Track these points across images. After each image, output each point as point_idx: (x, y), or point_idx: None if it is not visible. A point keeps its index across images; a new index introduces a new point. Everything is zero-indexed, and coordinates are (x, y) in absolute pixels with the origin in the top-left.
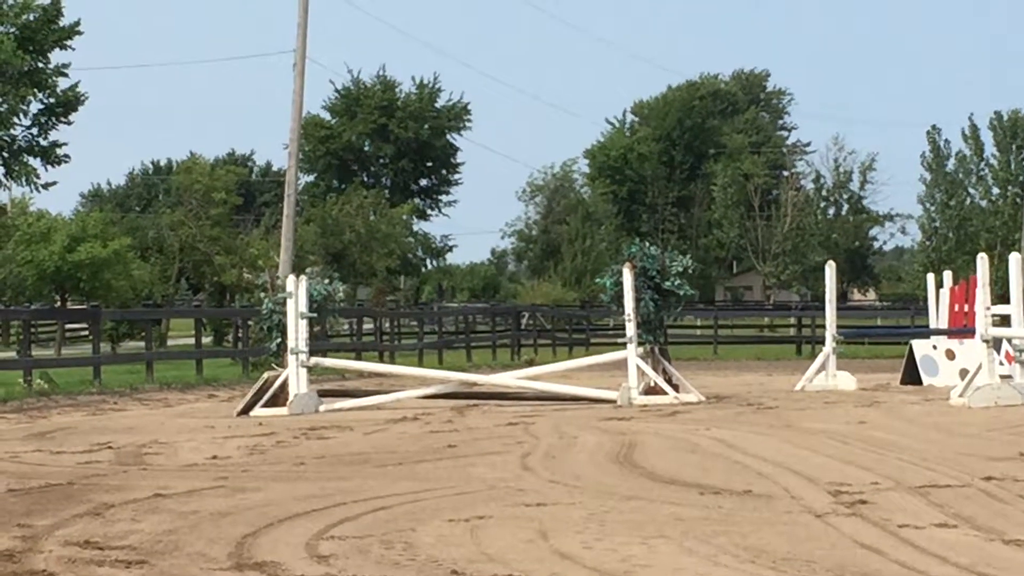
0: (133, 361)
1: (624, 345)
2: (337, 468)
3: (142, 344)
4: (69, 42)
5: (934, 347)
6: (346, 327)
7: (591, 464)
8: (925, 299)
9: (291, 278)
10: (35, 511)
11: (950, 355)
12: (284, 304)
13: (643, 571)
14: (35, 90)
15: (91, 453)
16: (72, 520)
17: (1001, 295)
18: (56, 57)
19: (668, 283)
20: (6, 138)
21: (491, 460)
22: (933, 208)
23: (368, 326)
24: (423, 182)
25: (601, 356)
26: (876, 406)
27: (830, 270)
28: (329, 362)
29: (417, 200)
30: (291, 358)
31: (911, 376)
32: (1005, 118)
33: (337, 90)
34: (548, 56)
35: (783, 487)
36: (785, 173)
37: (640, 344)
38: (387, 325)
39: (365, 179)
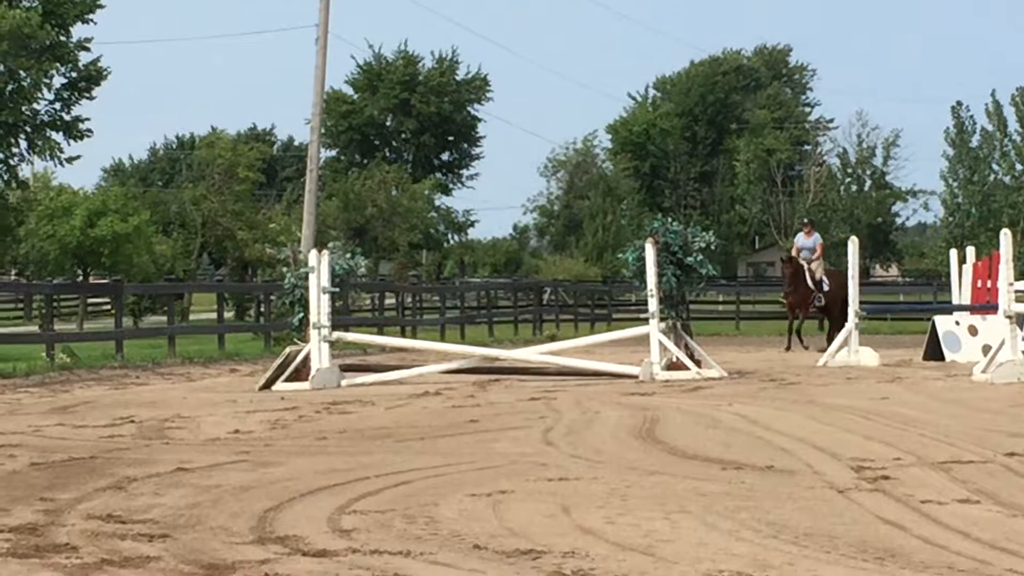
0: (155, 335)
1: (646, 320)
2: (359, 443)
3: (164, 318)
4: (91, 16)
5: (957, 323)
6: (368, 302)
7: (613, 439)
8: (948, 275)
9: (313, 253)
10: (58, 485)
11: (973, 331)
12: (306, 279)
13: (665, 546)
14: (58, 64)
15: (113, 427)
16: (94, 494)
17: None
18: (78, 31)
19: (690, 259)
20: (29, 112)
21: (513, 435)
22: (956, 184)
23: (390, 301)
24: (445, 156)
25: (623, 331)
26: (898, 382)
27: (853, 246)
28: (351, 337)
29: (439, 175)
30: (313, 332)
31: (933, 352)
32: None
33: (359, 65)
34: (570, 31)
35: (805, 462)
36: (808, 148)
37: (662, 319)
38: (409, 300)
39: (387, 154)
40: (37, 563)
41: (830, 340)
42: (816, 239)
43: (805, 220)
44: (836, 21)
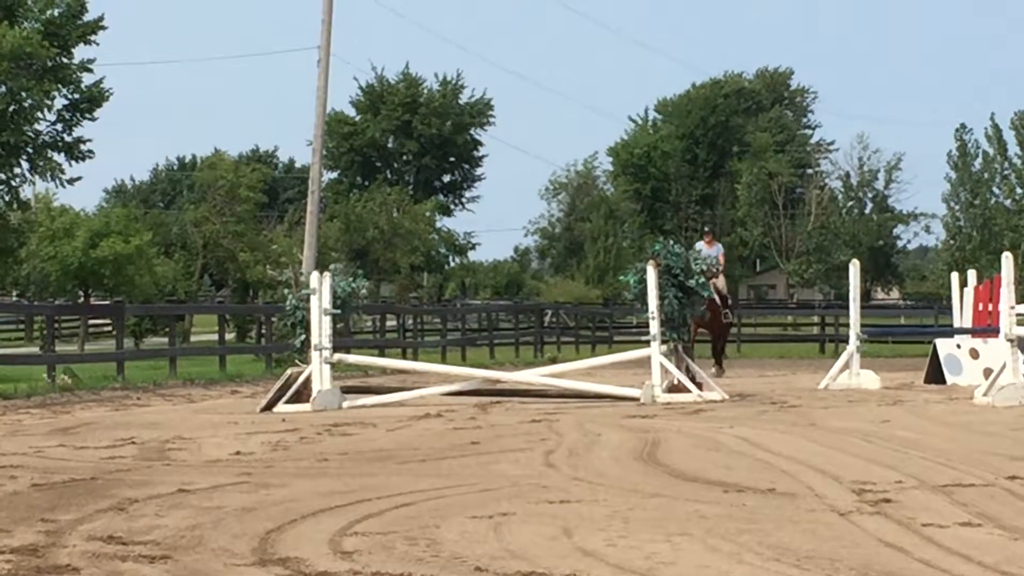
0: (156, 357)
1: (647, 343)
2: (360, 464)
3: (165, 340)
4: (93, 37)
5: (958, 346)
6: (369, 324)
7: (614, 461)
8: (949, 298)
9: (315, 274)
10: (59, 506)
11: (974, 354)
12: (308, 300)
13: (666, 569)
14: (59, 85)
15: (114, 448)
16: (95, 515)
17: None
18: (80, 52)
19: (692, 281)
20: (31, 133)
21: (514, 457)
22: (957, 207)
23: (391, 323)
24: (446, 178)
25: (624, 354)
26: (900, 405)
27: (854, 269)
28: (352, 358)
29: (440, 196)
30: (314, 354)
31: (935, 375)
32: None
33: (361, 87)
34: (572, 53)
35: (807, 485)
36: (810, 172)
37: (664, 342)
38: (410, 322)
39: (389, 176)
40: None
41: (717, 356)
42: (719, 249)
43: (706, 228)
44: (837, 44)
